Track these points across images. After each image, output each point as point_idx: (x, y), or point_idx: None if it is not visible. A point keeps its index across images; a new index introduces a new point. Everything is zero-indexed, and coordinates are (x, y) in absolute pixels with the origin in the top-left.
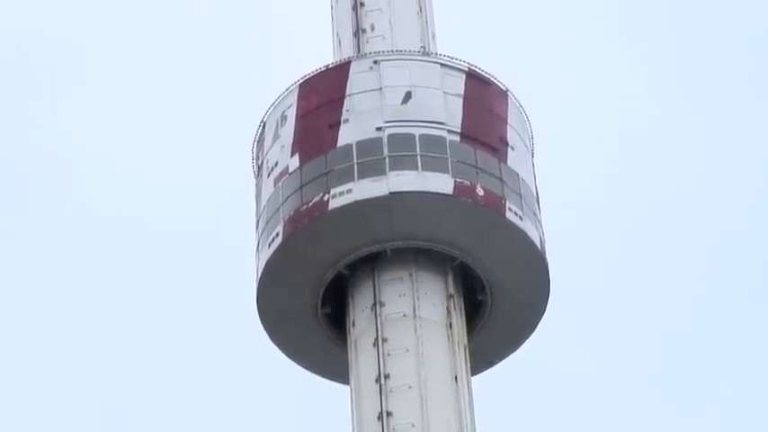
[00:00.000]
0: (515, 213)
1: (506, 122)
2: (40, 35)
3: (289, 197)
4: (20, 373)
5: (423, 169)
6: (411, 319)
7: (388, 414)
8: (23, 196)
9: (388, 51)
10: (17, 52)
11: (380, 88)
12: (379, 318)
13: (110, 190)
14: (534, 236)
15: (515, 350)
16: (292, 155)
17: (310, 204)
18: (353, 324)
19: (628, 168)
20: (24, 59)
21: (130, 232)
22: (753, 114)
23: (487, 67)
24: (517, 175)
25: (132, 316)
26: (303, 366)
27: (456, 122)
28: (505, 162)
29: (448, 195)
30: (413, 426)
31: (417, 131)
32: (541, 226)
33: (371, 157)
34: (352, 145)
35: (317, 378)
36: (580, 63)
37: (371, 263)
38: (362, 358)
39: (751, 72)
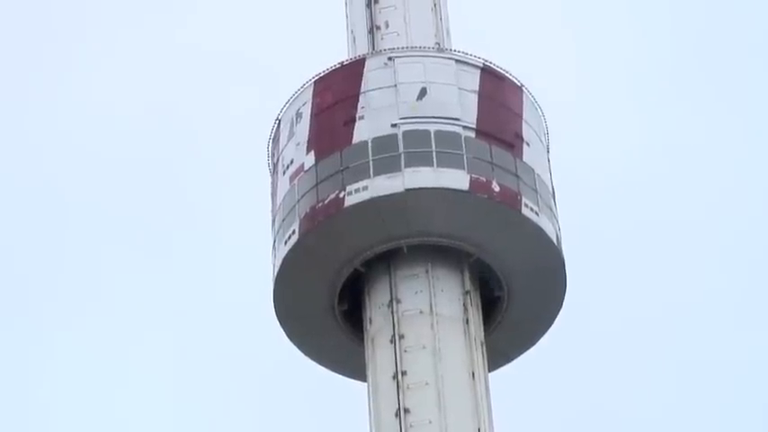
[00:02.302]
0: (531, 209)
1: (521, 118)
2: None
3: (304, 195)
4: None
5: (438, 165)
6: (428, 315)
7: (406, 411)
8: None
9: (402, 48)
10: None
11: (395, 85)
12: (395, 314)
13: (124, 186)
14: (550, 231)
15: (532, 346)
16: (308, 152)
17: (326, 202)
18: (370, 321)
19: (644, 163)
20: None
21: (144, 231)
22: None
23: (502, 63)
24: (533, 170)
25: (147, 318)
26: (320, 364)
27: (471, 118)
28: (521, 158)
29: (464, 191)
30: (430, 422)
31: (432, 128)
32: (557, 221)
33: (387, 154)
34: (367, 142)
35: (335, 375)
36: (595, 58)
37: (388, 260)
38: (379, 355)
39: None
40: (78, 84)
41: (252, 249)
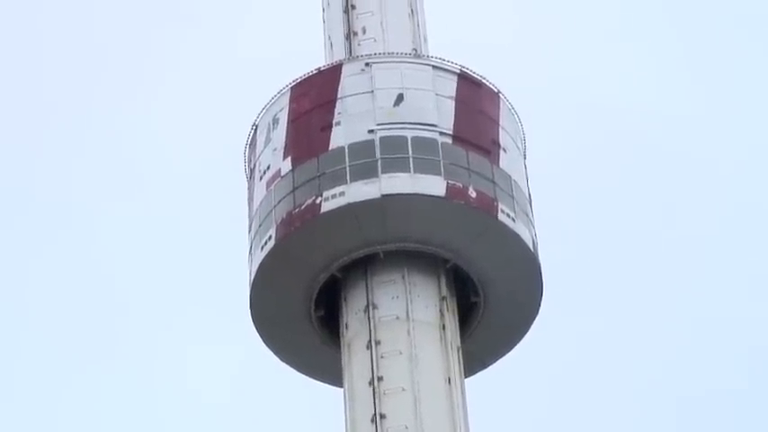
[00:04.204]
0: (508, 215)
1: (498, 124)
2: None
3: (281, 200)
4: None
5: (415, 171)
6: (404, 321)
7: (382, 416)
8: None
9: (379, 54)
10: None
11: (372, 91)
12: (372, 320)
13: (103, 191)
14: (527, 237)
15: (508, 352)
16: (284, 158)
17: (303, 207)
18: (347, 326)
19: (620, 169)
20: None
21: (123, 234)
22: (751, 103)
23: (479, 69)
24: (509, 176)
25: (124, 318)
26: (297, 369)
27: (448, 125)
28: (497, 164)
29: (440, 197)
30: (406, 428)
31: (409, 134)
32: (534, 227)
33: (364, 160)
34: (344, 148)
35: (311, 380)
36: (572, 65)
37: (364, 265)
38: (356, 361)
39: (749, 56)
40: None
41: (229, 255)
